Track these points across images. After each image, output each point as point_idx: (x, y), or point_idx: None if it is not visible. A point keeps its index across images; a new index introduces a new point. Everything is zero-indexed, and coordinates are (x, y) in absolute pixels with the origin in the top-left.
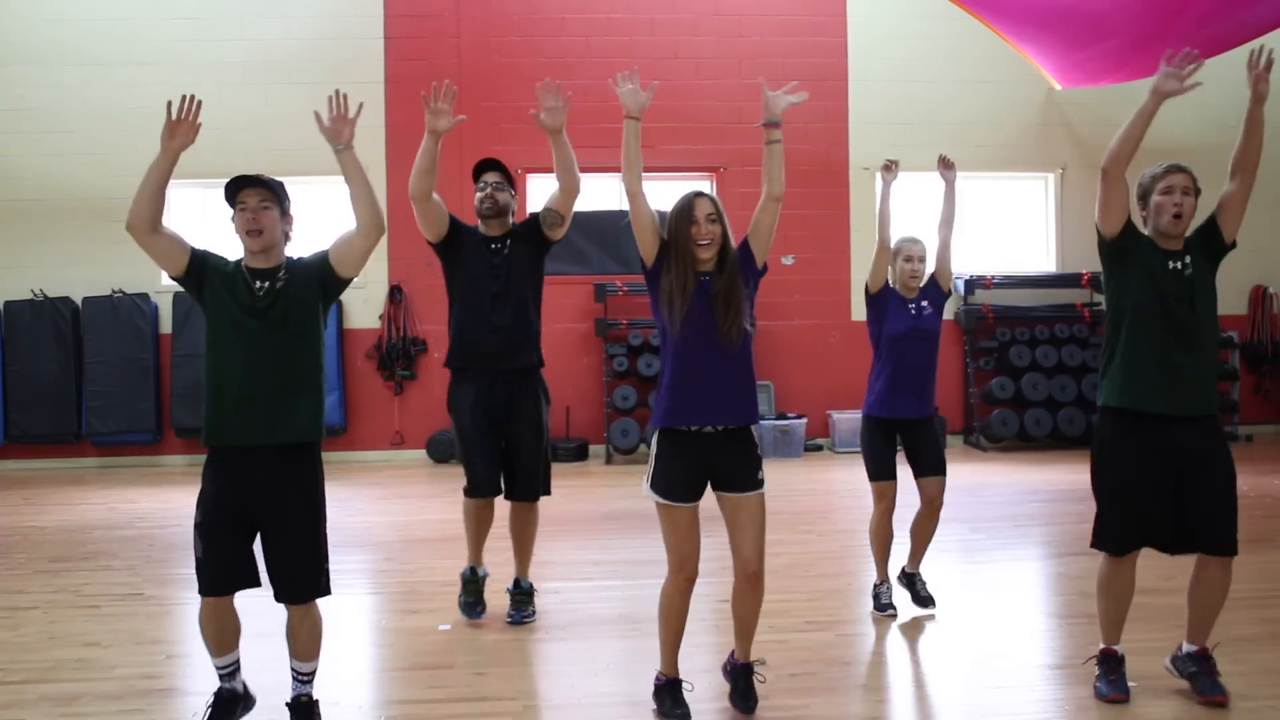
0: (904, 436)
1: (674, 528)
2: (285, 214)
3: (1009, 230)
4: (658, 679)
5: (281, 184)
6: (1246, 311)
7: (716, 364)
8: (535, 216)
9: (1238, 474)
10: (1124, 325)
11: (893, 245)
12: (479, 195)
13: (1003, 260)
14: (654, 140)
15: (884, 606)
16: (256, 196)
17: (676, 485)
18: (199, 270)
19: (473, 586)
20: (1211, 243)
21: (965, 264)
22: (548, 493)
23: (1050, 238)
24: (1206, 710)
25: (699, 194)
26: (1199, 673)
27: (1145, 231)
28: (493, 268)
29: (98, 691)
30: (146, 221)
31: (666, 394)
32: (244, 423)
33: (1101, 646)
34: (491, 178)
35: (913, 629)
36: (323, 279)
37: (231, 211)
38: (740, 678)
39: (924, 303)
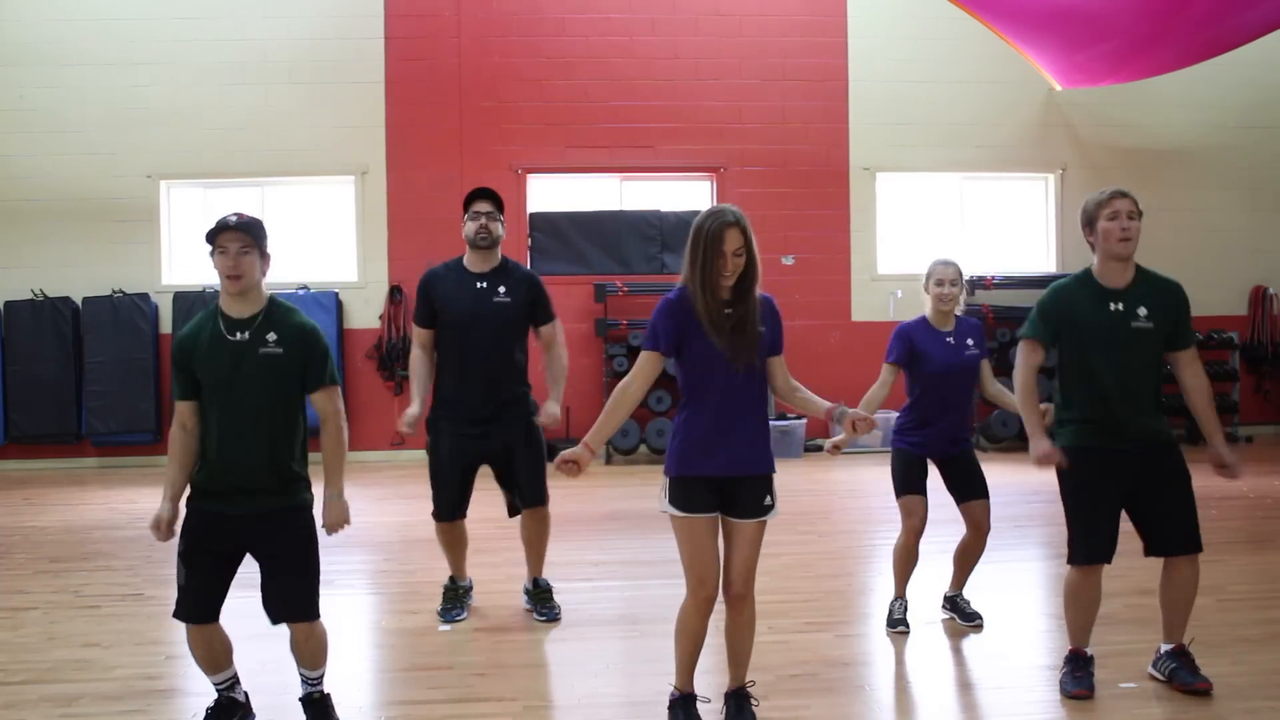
0: (940, 467)
1: (692, 538)
2: (264, 255)
3: (1009, 231)
4: (672, 694)
5: (260, 223)
6: (1247, 312)
7: (731, 406)
8: (538, 290)
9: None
10: (1071, 374)
11: (925, 270)
12: (473, 225)
13: (1003, 261)
14: (654, 140)
15: (896, 623)
16: (237, 242)
17: (694, 499)
18: (196, 379)
19: (451, 594)
20: (1172, 322)
21: (966, 264)
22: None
23: (1050, 238)
24: (1205, 707)
25: (730, 224)
26: (1178, 668)
27: (1092, 257)
28: (478, 311)
29: (98, 692)
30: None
31: (678, 437)
32: (229, 491)
33: (1070, 647)
34: (484, 207)
35: (913, 630)
36: (301, 378)
37: (211, 249)
38: (732, 703)
39: (968, 341)
